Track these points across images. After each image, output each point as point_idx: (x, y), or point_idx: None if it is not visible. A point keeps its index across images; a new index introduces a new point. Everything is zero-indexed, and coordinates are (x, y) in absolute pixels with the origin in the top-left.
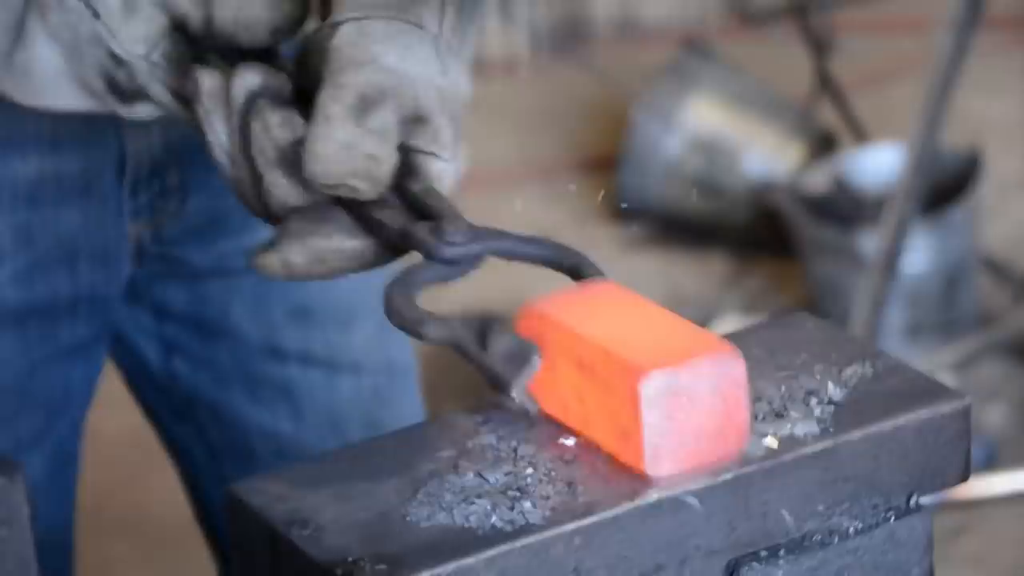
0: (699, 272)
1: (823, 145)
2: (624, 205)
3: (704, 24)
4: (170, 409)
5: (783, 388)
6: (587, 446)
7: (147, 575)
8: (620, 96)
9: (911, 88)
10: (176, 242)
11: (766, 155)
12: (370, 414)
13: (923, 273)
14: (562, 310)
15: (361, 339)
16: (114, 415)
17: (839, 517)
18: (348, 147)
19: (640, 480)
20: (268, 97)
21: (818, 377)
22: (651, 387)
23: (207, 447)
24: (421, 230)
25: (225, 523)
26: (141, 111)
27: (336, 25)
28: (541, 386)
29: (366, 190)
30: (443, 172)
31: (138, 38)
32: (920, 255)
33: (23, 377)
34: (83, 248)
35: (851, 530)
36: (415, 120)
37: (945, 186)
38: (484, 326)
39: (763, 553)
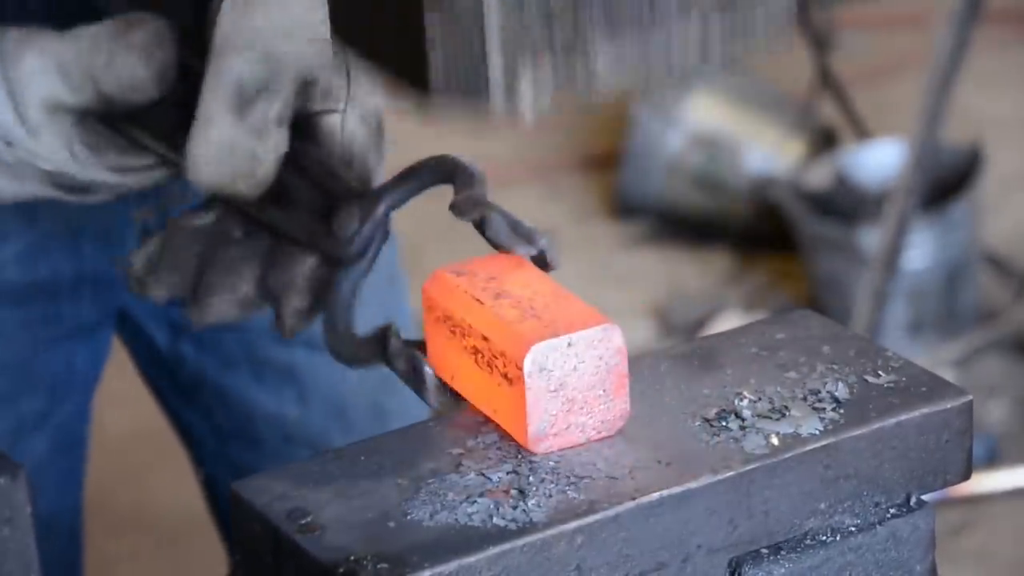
0: (700, 269)
1: (824, 141)
2: (624, 203)
3: None
4: (178, 392)
5: (784, 385)
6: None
7: (149, 572)
8: (620, 93)
9: (912, 84)
10: None
11: (767, 151)
12: (376, 401)
13: (924, 269)
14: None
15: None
16: (117, 412)
17: (841, 515)
18: (228, 147)
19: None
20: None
21: (819, 374)
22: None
23: (215, 430)
24: (323, 243)
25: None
26: (100, 196)
27: None
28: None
29: (246, 191)
30: (334, 125)
31: (55, 147)
32: (921, 251)
33: (26, 356)
34: (87, 229)
35: (853, 528)
36: (305, 85)
37: (946, 182)
38: (383, 340)
39: (765, 551)
